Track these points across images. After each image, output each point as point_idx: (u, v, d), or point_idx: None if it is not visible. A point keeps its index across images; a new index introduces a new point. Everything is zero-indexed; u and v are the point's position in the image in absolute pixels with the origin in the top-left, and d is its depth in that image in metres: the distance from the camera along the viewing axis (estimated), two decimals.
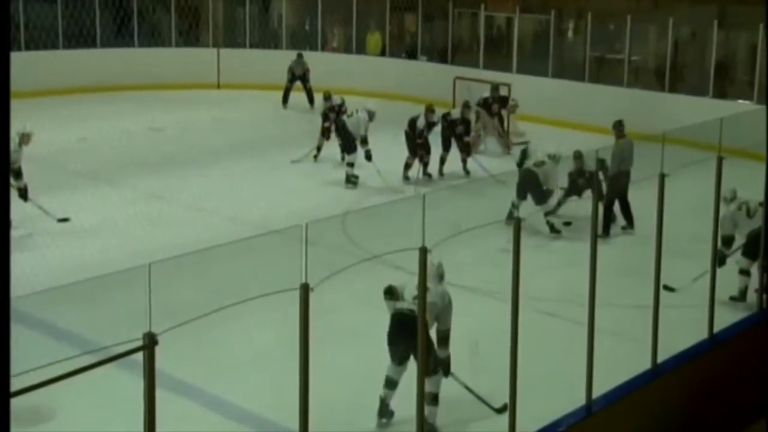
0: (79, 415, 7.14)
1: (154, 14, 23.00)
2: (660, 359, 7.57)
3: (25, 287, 8.24)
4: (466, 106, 15.63)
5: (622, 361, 7.64)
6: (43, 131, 14.68)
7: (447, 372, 7.41)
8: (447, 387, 7.41)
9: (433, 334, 7.21)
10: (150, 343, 4.54)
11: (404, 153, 14.87)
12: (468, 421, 7.55)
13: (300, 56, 20.69)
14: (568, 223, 12.29)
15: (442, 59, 22.06)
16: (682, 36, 20.07)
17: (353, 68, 22.01)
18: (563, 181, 12.54)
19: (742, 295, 9.85)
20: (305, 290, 4.94)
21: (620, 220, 12.48)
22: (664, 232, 7.57)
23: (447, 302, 7.29)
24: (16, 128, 11.14)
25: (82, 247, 10.96)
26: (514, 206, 11.88)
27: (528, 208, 11.91)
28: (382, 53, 22.97)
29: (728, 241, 9.80)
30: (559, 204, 12.80)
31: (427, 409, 7.18)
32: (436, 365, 7.22)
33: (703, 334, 8.16)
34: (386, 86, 21.19)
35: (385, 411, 7.42)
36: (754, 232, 9.65)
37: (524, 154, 12.91)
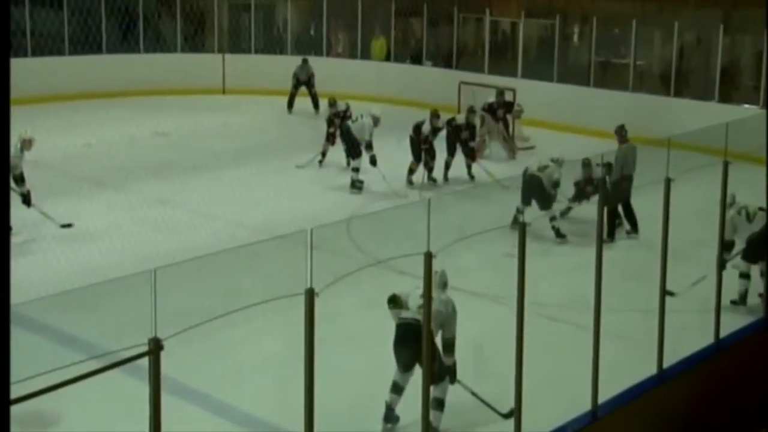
0: (85, 420, 7.14)
1: (160, 20, 23.03)
2: (665, 364, 7.56)
3: (30, 292, 8.28)
4: (470, 111, 15.63)
5: (628, 366, 7.64)
6: (48, 137, 14.74)
7: (453, 379, 7.41)
8: (454, 392, 7.41)
9: (438, 341, 7.21)
10: (155, 348, 4.55)
11: (409, 158, 14.88)
12: (475, 425, 7.53)
13: (305, 61, 20.72)
14: (562, 235, 12.20)
15: (447, 64, 22.06)
16: (687, 40, 20.05)
17: (358, 73, 22.03)
18: (568, 186, 12.52)
19: (742, 299, 9.92)
20: (310, 295, 4.94)
21: (624, 225, 12.47)
22: (669, 237, 7.56)
23: (451, 310, 7.29)
24: (17, 133, 11.13)
25: (87, 253, 10.98)
26: (519, 211, 11.88)
27: (533, 213, 11.92)
28: (387, 58, 22.98)
29: (728, 245, 9.83)
30: (567, 211, 12.79)
31: (432, 414, 7.18)
32: (442, 372, 7.23)
33: (707, 339, 8.15)
34: (391, 91, 21.20)
35: (390, 416, 7.41)
36: (753, 235, 9.78)
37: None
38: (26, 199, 11.69)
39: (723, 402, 7.91)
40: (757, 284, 9.91)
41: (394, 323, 7.33)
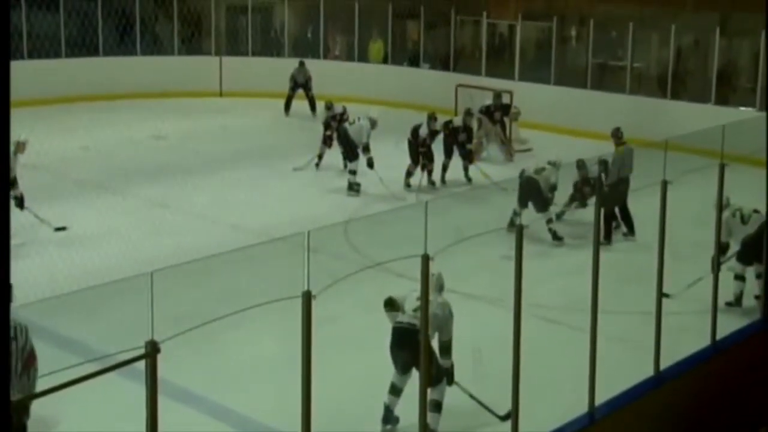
0: (82, 422, 7.13)
1: (157, 23, 23.02)
2: (662, 366, 7.56)
3: (27, 295, 8.27)
4: (467, 113, 15.64)
5: (625, 368, 7.64)
6: (45, 140, 14.73)
7: (450, 381, 7.42)
8: (451, 394, 7.41)
9: (434, 345, 7.22)
10: (152, 351, 4.55)
11: (406, 161, 14.89)
12: (472, 428, 7.54)
13: (302, 64, 20.72)
14: (559, 238, 12.20)
15: (445, 67, 22.06)
16: (684, 43, 20.06)
17: (355, 76, 22.04)
18: (566, 188, 12.53)
19: (737, 300, 9.99)
20: (307, 298, 4.95)
21: (621, 227, 12.48)
22: (665, 239, 7.57)
23: (448, 313, 7.30)
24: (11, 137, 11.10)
25: (84, 256, 10.96)
26: (516, 214, 11.90)
27: (530, 216, 11.93)
28: (385, 61, 22.98)
29: (723, 248, 9.86)
30: (562, 213, 12.81)
31: (429, 416, 7.18)
32: (440, 375, 7.24)
33: (704, 341, 8.16)
34: (388, 94, 21.20)
35: (389, 417, 7.43)
36: (748, 237, 9.84)
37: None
38: (20, 203, 11.69)
39: (720, 404, 7.92)
40: (752, 286, 9.93)
41: (390, 326, 7.35)
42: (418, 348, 6.21)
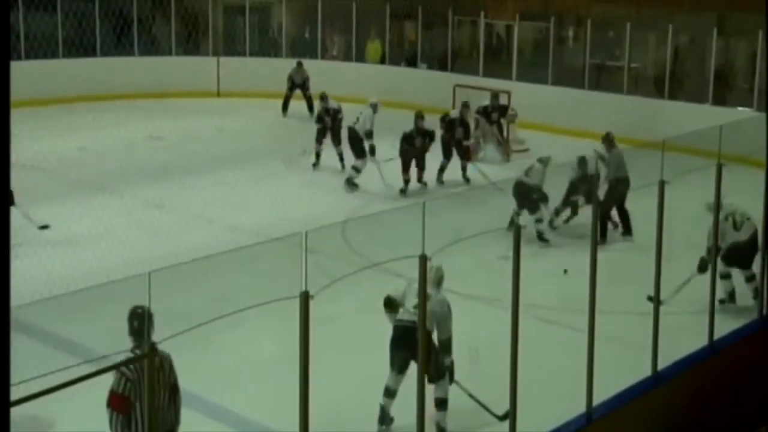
0: (79, 424, 7.12)
1: (154, 23, 23.02)
2: (659, 366, 7.57)
3: (24, 296, 8.25)
4: (465, 105, 15.65)
5: (623, 368, 7.64)
6: (43, 140, 14.74)
7: (451, 379, 7.43)
8: (450, 394, 7.41)
9: (434, 341, 7.23)
10: (150, 351, 4.55)
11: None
12: (470, 428, 7.54)
13: (300, 64, 20.71)
14: (545, 240, 12.21)
15: (442, 67, 22.07)
16: (681, 43, 20.09)
17: (353, 76, 22.02)
18: (559, 183, 12.52)
19: (731, 297, 10.05)
20: (305, 298, 4.94)
21: (619, 228, 12.49)
22: (663, 240, 7.58)
23: (446, 310, 7.30)
24: None
25: (81, 256, 10.95)
26: (516, 214, 11.90)
27: (528, 216, 11.95)
28: (382, 61, 22.99)
29: (717, 250, 9.87)
30: (558, 212, 12.80)
31: (436, 415, 7.25)
32: (441, 371, 7.24)
33: (701, 341, 8.16)
34: (386, 94, 21.06)
35: (385, 418, 7.46)
36: (736, 244, 9.83)
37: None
38: (10, 200, 11.61)
39: (718, 403, 7.92)
40: (742, 288, 9.96)
41: (389, 325, 7.35)
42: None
